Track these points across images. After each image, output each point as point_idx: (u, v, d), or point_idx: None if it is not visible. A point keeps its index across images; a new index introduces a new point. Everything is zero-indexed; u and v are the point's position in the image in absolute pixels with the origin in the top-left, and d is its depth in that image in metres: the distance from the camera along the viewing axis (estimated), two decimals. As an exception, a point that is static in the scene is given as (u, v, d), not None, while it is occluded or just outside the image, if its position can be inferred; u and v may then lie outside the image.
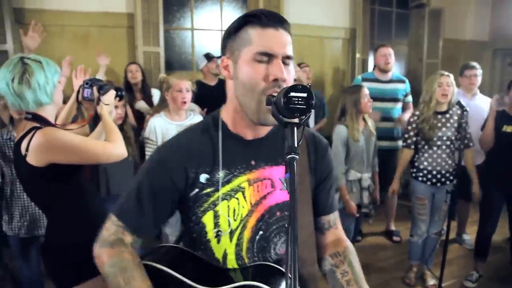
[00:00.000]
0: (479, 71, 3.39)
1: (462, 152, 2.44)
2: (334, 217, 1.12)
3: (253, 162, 0.99)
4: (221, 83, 3.51)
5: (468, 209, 3.58)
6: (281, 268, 0.93)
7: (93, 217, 1.71)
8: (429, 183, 2.77)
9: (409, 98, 3.75)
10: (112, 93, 1.78)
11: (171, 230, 2.62)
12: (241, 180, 0.98)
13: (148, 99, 3.54)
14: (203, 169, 0.96)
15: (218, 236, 0.98)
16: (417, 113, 2.80)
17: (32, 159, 1.46)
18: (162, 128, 2.56)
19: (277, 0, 4.44)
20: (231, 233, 0.99)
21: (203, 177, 0.96)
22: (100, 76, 3.24)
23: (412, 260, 2.99)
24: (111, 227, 0.97)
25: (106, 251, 0.95)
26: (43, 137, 1.45)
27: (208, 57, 3.60)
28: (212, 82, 3.62)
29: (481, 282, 2.96)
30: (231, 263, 1.00)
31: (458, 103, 2.53)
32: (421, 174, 2.80)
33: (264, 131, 1.00)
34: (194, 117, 2.69)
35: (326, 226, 1.11)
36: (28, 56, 1.52)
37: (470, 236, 3.60)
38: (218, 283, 0.92)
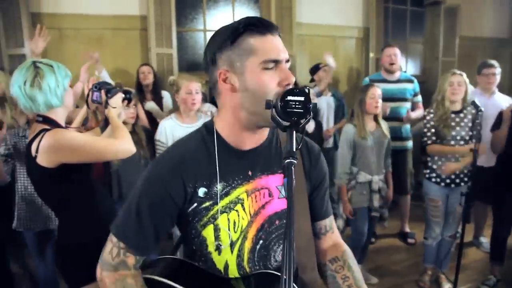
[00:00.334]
0: (498, 70, 3.30)
1: (477, 152, 2.37)
2: (330, 222, 1.13)
3: (250, 173, 0.98)
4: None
5: (486, 211, 3.49)
6: (279, 274, 0.93)
7: (104, 217, 1.74)
8: (442, 184, 2.72)
9: (419, 98, 3.71)
10: (119, 96, 1.81)
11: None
12: (239, 192, 0.97)
13: (158, 100, 3.58)
14: (201, 182, 0.94)
15: (218, 249, 0.98)
16: (432, 110, 2.75)
17: (42, 160, 1.50)
18: (172, 130, 2.58)
19: (289, 0, 4.42)
20: (232, 245, 0.98)
21: (201, 191, 0.94)
22: (102, 73, 3.27)
23: (426, 263, 2.94)
24: (114, 249, 0.95)
25: (109, 275, 0.94)
26: (52, 138, 1.49)
27: None
28: None
29: (499, 287, 2.88)
30: (233, 273, 1.00)
31: (473, 102, 2.47)
32: (434, 174, 2.75)
33: (259, 140, 0.99)
34: (205, 120, 2.69)
35: (323, 231, 1.11)
36: (40, 61, 1.56)
37: (487, 239, 3.52)
38: None
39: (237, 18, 4.12)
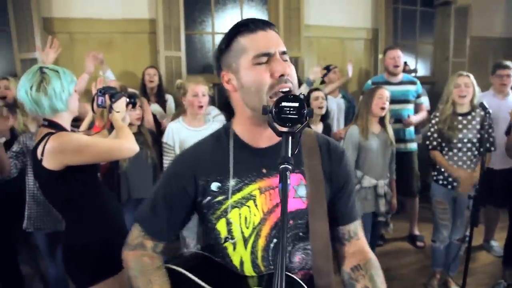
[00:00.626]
0: None
1: (486, 155, 2.35)
2: (354, 227, 1.07)
3: (264, 171, 0.99)
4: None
5: (497, 215, 3.44)
6: (295, 277, 0.92)
7: (110, 219, 1.78)
8: (449, 186, 2.69)
9: (422, 99, 3.67)
10: (123, 100, 1.85)
11: (189, 233, 2.67)
12: (252, 188, 0.98)
13: (162, 103, 3.61)
14: (214, 177, 0.99)
15: (226, 241, 1.00)
16: (438, 114, 2.73)
17: (48, 163, 1.53)
18: (179, 133, 2.59)
19: (297, 2, 4.42)
20: (245, 241, 0.99)
21: (214, 186, 0.99)
22: (107, 73, 3.30)
23: (435, 267, 2.91)
24: (135, 232, 1.06)
25: (129, 254, 1.04)
26: (56, 141, 1.53)
27: None
28: None
29: (509, 291, 2.84)
30: (248, 270, 1.01)
31: (481, 104, 2.44)
32: (441, 177, 2.73)
33: (276, 139, 0.99)
34: (213, 123, 2.70)
35: (346, 237, 1.06)
36: (47, 66, 1.61)
37: (498, 242, 3.47)
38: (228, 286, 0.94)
39: (244, 21, 4.11)
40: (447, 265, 2.84)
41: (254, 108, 0.93)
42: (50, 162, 1.53)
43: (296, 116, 0.78)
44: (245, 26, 0.93)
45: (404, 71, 4.34)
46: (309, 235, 0.98)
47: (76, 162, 1.56)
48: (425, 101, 3.80)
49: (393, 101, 3.36)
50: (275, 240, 0.99)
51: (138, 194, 2.58)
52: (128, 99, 1.90)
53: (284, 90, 0.90)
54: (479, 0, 5.33)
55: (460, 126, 2.63)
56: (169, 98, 3.72)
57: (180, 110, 2.82)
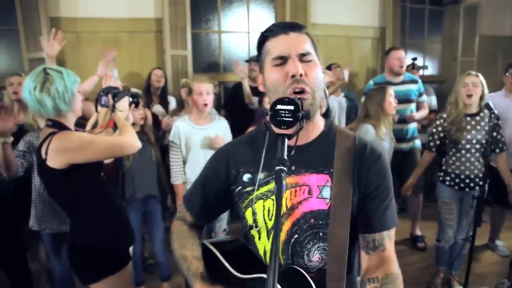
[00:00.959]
0: None
1: (491, 156, 2.33)
2: (381, 237, 1.00)
3: (292, 168, 1.02)
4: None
5: (503, 214, 3.42)
6: (308, 277, 0.91)
7: (114, 217, 1.80)
8: (456, 187, 2.68)
9: (423, 98, 3.67)
10: (126, 100, 1.87)
11: (219, 224, 2.75)
12: None
13: (164, 105, 3.63)
14: (246, 169, 1.08)
15: (251, 228, 1.07)
16: (444, 115, 2.71)
17: (52, 162, 1.55)
18: (185, 132, 2.61)
19: (304, 0, 4.42)
20: (268, 232, 1.05)
21: (246, 177, 1.08)
22: (114, 72, 3.33)
23: (438, 266, 2.90)
24: (181, 206, 1.23)
25: (175, 222, 1.22)
26: (59, 140, 1.56)
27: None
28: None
29: (513, 292, 2.83)
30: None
31: (487, 105, 2.41)
32: (448, 178, 2.71)
33: (308, 137, 1.04)
34: (219, 121, 2.73)
35: (371, 246, 1.00)
36: (51, 67, 1.63)
37: (503, 242, 3.45)
38: (248, 273, 1.00)
39: (251, 19, 4.17)
40: (451, 264, 2.83)
41: None
42: (54, 161, 1.55)
43: (291, 119, 0.81)
44: (270, 31, 1.01)
45: (414, 68, 4.33)
46: (328, 237, 0.97)
47: (80, 160, 1.58)
48: (428, 100, 3.77)
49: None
50: (296, 236, 1.01)
51: (143, 191, 2.61)
52: (131, 99, 1.92)
53: (297, 90, 0.94)
54: (489, -2, 5.29)
55: (468, 127, 2.60)
56: (172, 100, 3.75)
57: (179, 108, 2.84)
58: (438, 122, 2.73)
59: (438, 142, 2.72)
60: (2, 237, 2.38)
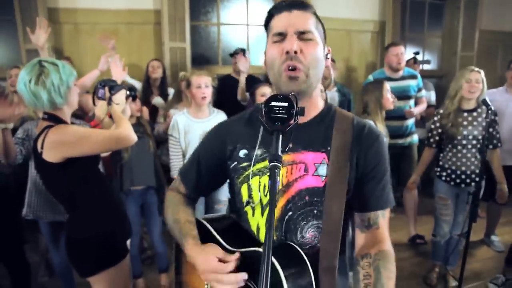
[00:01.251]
0: None
1: (487, 152, 2.34)
2: (376, 216, 1.02)
3: (290, 145, 1.02)
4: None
5: (499, 210, 3.44)
6: (301, 252, 0.92)
7: (111, 210, 1.81)
8: (452, 183, 2.69)
9: (422, 93, 3.67)
10: (122, 93, 1.86)
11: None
12: None
13: (164, 97, 3.62)
14: (243, 145, 1.08)
15: (248, 204, 1.07)
16: (441, 111, 2.71)
17: (48, 156, 1.55)
18: (184, 125, 2.61)
19: (304, -7, 4.39)
20: (263, 208, 1.04)
21: (242, 153, 1.08)
22: (114, 58, 3.31)
23: (434, 260, 2.93)
24: (177, 179, 1.24)
25: (169, 192, 1.23)
26: (55, 134, 1.55)
27: None
28: None
29: (507, 286, 2.84)
30: (263, 237, 1.04)
31: (483, 101, 2.41)
32: (445, 173, 2.72)
33: (307, 117, 1.05)
34: (218, 114, 2.73)
35: (366, 224, 1.03)
36: (46, 59, 1.61)
37: (499, 237, 3.47)
38: (242, 247, 0.99)
39: (251, 12, 4.13)
40: (446, 259, 2.85)
41: (274, 83, 1.03)
42: (50, 155, 1.55)
43: (286, 116, 0.81)
44: (275, 8, 1.02)
45: (415, 62, 4.31)
46: (322, 214, 0.99)
47: (75, 154, 1.57)
48: (427, 95, 3.77)
49: (395, 97, 3.35)
50: (290, 213, 1.01)
51: (141, 182, 2.61)
52: (128, 92, 1.91)
53: (289, 67, 0.95)
54: (490, -7, 5.26)
55: (465, 122, 2.61)
56: (171, 92, 3.74)
57: (176, 99, 2.85)
58: (436, 118, 2.73)
59: (437, 138, 2.73)
60: (0, 228, 2.38)
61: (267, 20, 1.04)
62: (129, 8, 3.90)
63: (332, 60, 4.04)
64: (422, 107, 3.66)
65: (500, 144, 2.69)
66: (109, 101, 1.82)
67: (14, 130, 2.30)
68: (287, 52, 0.95)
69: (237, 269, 0.93)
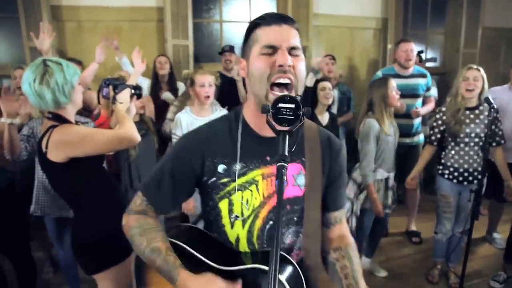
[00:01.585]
0: None
1: (489, 149, 2.34)
2: (339, 214, 1.19)
3: (268, 158, 1.05)
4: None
5: (501, 208, 3.44)
6: (286, 255, 1.00)
7: (116, 209, 1.81)
8: (455, 181, 2.70)
9: (431, 92, 3.62)
10: (127, 91, 1.86)
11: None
12: (255, 174, 1.05)
13: (174, 91, 3.63)
14: (221, 160, 1.05)
15: (231, 218, 1.07)
16: (444, 109, 2.71)
17: (52, 155, 1.56)
18: (187, 123, 2.61)
19: (306, -10, 4.39)
20: (244, 220, 1.07)
21: (221, 167, 1.05)
22: (123, 59, 3.34)
23: (436, 258, 2.94)
24: (138, 200, 1.11)
25: (133, 217, 1.09)
26: (59, 134, 1.56)
27: None
28: None
29: (509, 283, 2.86)
30: (243, 247, 1.08)
31: (486, 99, 2.41)
32: (447, 171, 2.73)
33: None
34: (220, 112, 2.73)
35: (332, 221, 1.18)
36: (50, 59, 1.61)
37: (501, 235, 3.48)
38: (231, 264, 1.00)
39: (253, 9, 4.12)
40: (448, 256, 2.87)
41: (255, 94, 1.01)
42: (54, 155, 1.56)
43: (293, 117, 0.83)
44: (263, 19, 1.00)
45: (421, 61, 4.28)
46: (303, 220, 1.09)
47: (79, 154, 1.58)
48: (433, 93, 3.75)
49: (403, 95, 3.30)
50: (271, 222, 1.07)
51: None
52: (133, 90, 1.91)
53: (282, 81, 0.95)
54: (493, -11, 5.24)
55: (467, 120, 2.61)
56: (181, 86, 3.73)
57: (184, 96, 2.86)
58: (437, 116, 2.73)
59: (438, 136, 2.73)
60: (6, 226, 2.40)
61: (251, 29, 1.02)
62: (132, 6, 3.91)
63: (333, 58, 4.04)
64: (429, 107, 3.59)
65: (504, 141, 2.69)
66: (113, 100, 1.83)
67: (20, 128, 2.31)
68: (281, 66, 0.95)
69: None
